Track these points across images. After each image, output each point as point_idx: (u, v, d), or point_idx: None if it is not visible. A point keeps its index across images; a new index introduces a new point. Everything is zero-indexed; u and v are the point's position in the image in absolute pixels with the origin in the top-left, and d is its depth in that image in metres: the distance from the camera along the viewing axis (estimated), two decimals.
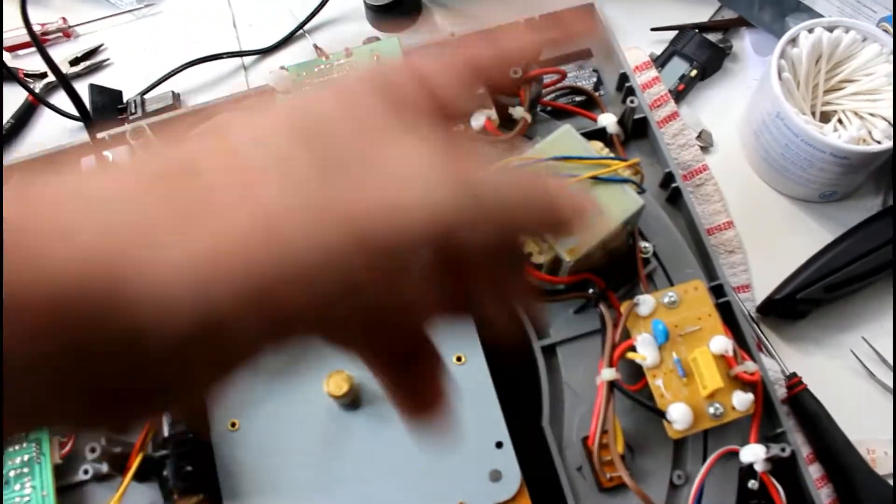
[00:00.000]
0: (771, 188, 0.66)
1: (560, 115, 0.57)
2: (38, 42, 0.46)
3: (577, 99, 0.58)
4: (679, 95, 0.68)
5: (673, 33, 0.71)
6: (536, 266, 0.47)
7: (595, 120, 0.56)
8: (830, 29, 0.62)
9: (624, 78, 0.57)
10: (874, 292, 0.62)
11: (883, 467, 0.57)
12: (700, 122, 0.68)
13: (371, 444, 0.45)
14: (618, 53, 0.58)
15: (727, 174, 0.66)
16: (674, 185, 0.54)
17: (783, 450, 0.47)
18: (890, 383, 0.60)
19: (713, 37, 0.70)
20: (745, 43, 0.71)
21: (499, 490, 0.44)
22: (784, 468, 0.49)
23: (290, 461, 0.46)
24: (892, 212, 0.62)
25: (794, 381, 0.58)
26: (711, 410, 0.46)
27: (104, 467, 0.46)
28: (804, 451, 0.58)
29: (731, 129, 0.68)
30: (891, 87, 0.60)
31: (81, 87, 0.68)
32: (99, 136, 0.55)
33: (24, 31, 0.60)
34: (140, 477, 0.47)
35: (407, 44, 0.58)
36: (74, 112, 0.67)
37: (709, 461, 0.47)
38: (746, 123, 0.67)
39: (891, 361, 0.60)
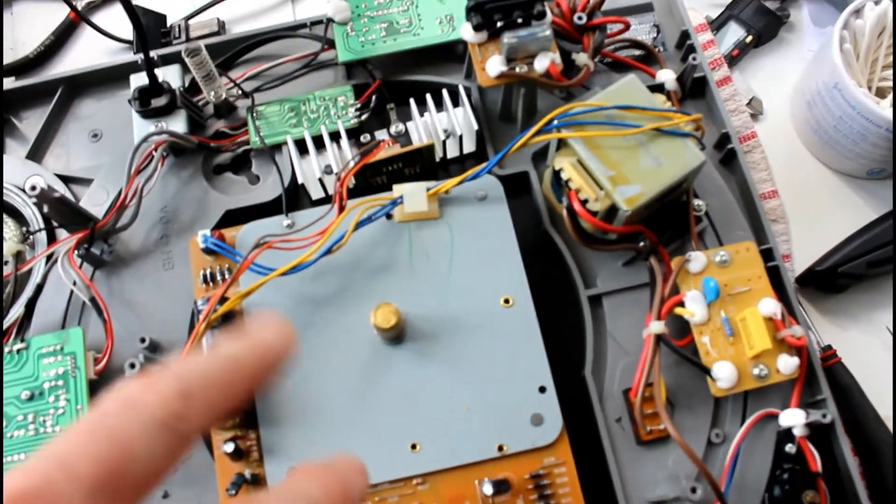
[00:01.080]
0: (818, 161, 0.66)
1: (619, 67, 0.56)
2: None
3: (637, 53, 0.57)
4: (732, 61, 0.67)
5: None
6: (592, 213, 0.46)
7: (653, 75, 0.55)
8: None
9: (685, 35, 0.56)
10: None
11: None
12: (751, 89, 0.67)
13: (412, 381, 0.45)
14: (679, 9, 0.57)
15: (775, 144, 0.65)
16: (729, 146, 0.54)
17: (824, 416, 0.47)
18: None
19: (771, 4, 0.69)
20: (802, 13, 0.70)
21: (540, 434, 0.44)
22: (821, 435, 0.49)
23: (330, 391, 0.45)
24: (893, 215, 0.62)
25: (828, 353, 0.58)
26: (756, 371, 0.46)
27: None
28: None
29: (783, 99, 0.68)
30: None
31: (119, 10, 0.67)
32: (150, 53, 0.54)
33: None
34: None
35: None
36: (116, 33, 0.66)
37: (748, 422, 0.47)
38: (799, 93, 0.66)
39: None
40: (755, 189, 0.52)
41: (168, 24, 0.68)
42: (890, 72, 0.63)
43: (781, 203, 0.63)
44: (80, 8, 0.70)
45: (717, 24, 0.68)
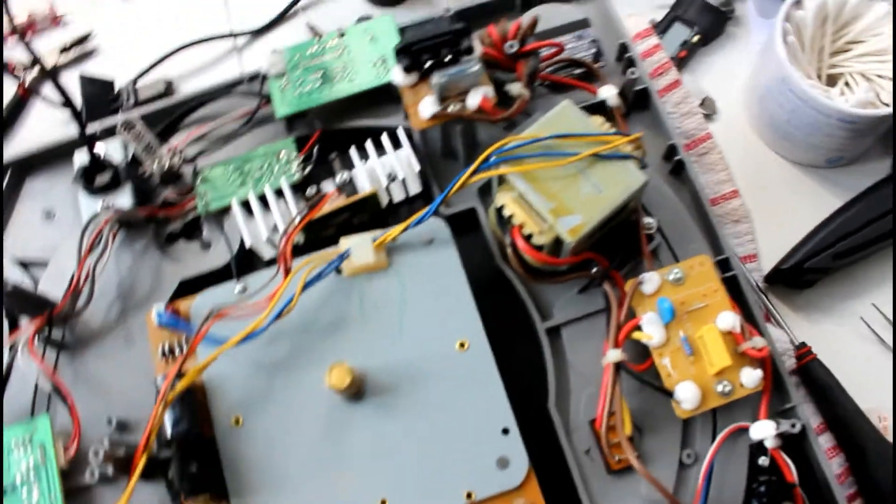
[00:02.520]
0: (776, 154, 0.65)
1: (559, 88, 0.56)
2: (22, 35, 0.45)
3: (577, 71, 0.56)
4: (681, 62, 0.67)
5: None
6: (537, 247, 0.46)
7: (595, 93, 0.55)
8: None
9: (624, 48, 0.56)
10: (883, 258, 0.61)
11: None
12: (703, 89, 0.67)
13: (376, 436, 0.45)
14: (617, 23, 0.57)
15: (732, 142, 0.65)
16: (677, 157, 0.53)
17: (793, 425, 0.47)
18: None
19: (714, 0, 0.68)
20: (747, 6, 0.70)
21: (506, 477, 0.44)
22: (794, 441, 0.48)
23: (296, 455, 0.45)
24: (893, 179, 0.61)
25: (803, 351, 0.58)
26: (720, 388, 0.46)
27: (109, 470, 0.46)
28: (815, 421, 0.57)
29: (735, 96, 0.67)
30: None
31: (72, 77, 0.67)
32: (89, 129, 0.54)
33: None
34: (146, 476, 0.46)
35: (401, 21, 0.56)
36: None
37: (718, 439, 0.46)
38: (751, 89, 0.65)
39: None
40: (706, 199, 0.52)
41: (116, 90, 0.68)
42: (838, 58, 0.62)
43: (743, 202, 0.63)
44: (29, 78, 0.70)
45: (662, 27, 0.68)
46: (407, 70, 0.48)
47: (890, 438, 0.56)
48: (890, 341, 0.59)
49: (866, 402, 0.56)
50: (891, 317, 0.60)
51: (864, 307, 0.60)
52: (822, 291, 0.61)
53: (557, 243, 0.46)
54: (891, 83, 0.59)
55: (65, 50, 0.71)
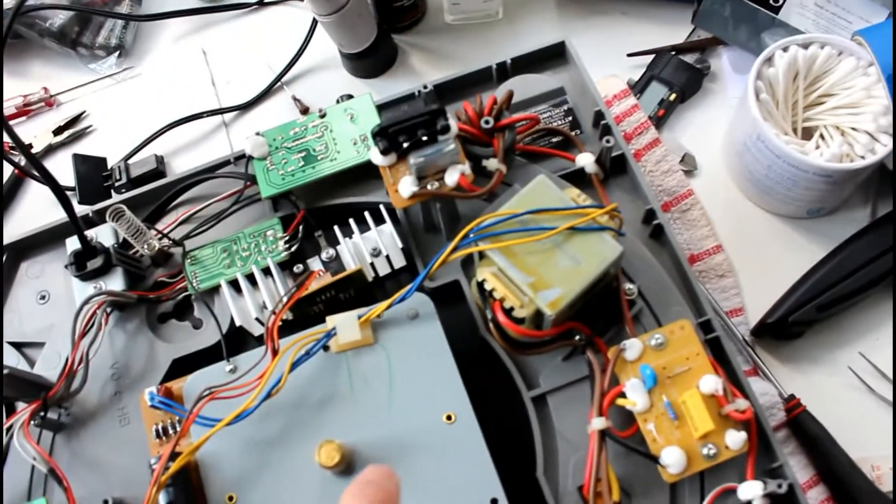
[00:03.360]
0: (758, 207, 0.66)
1: (538, 157, 0.57)
2: (5, 123, 0.46)
3: (554, 140, 0.58)
4: (660, 121, 0.68)
5: (650, 58, 0.71)
6: (519, 320, 0.47)
7: (573, 160, 0.56)
8: (805, 45, 0.62)
9: (599, 115, 0.57)
10: (868, 306, 0.62)
11: (888, 484, 0.57)
12: (682, 146, 0.68)
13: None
14: (591, 90, 0.58)
15: (713, 196, 0.66)
16: (656, 221, 0.54)
17: (780, 486, 0.47)
18: (889, 396, 0.59)
19: (690, 58, 0.70)
20: (722, 61, 0.71)
21: None
22: (782, 501, 0.48)
23: None
24: (893, 218, 0.62)
25: (792, 404, 0.58)
26: (705, 451, 0.46)
27: None
28: (807, 474, 0.57)
29: (715, 151, 0.68)
30: (870, 101, 0.60)
31: (67, 156, 0.69)
32: (80, 212, 0.55)
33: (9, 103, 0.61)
34: None
35: (379, 98, 0.58)
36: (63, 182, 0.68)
37: (706, 502, 0.47)
38: (729, 145, 0.66)
39: (889, 374, 0.60)
40: (686, 261, 0.53)
41: (108, 167, 0.69)
42: (813, 111, 0.63)
43: (727, 257, 0.64)
44: (23, 161, 0.72)
45: (639, 87, 0.69)
46: (385, 151, 0.49)
47: (883, 488, 0.56)
48: (879, 390, 0.59)
49: (858, 452, 0.57)
50: (878, 365, 0.60)
51: (851, 356, 0.61)
52: (809, 342, 0.61)
53: (538, 315, 0.47)
54: (864, 136, 0.60)
55: (58, 131, 0.73)
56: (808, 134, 0.64)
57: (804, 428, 0.58)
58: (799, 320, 0.59)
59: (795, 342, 0.62)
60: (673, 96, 0.68)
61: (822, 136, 0.63)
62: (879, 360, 0.60)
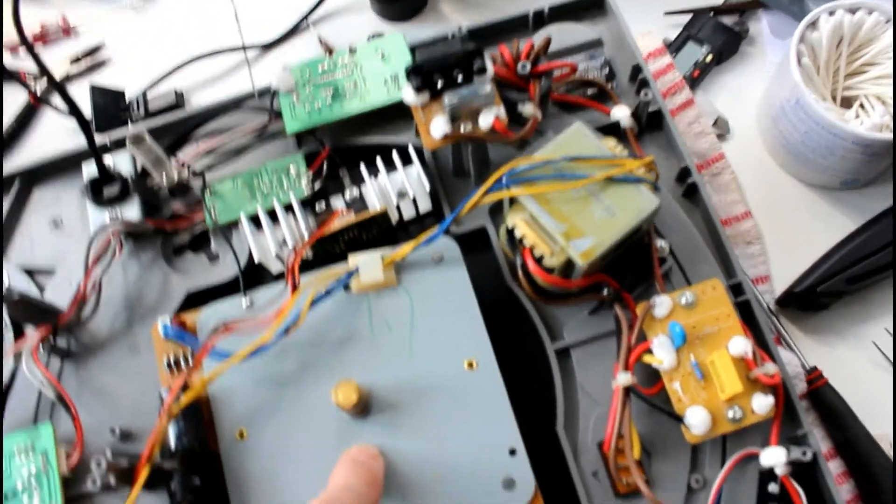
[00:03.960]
0: (790, 176, 0.65)
1: (572, 108, 0.55)
2: (30, 46, 0.44)
3: (590, 91, 0.56)
4: (694, 82, 0.66)
5: (687, 17, 0.69)
6: (549, 269, 0.45)
7: (608, 113, 0.54)
8: (852, 11, 0.60)
9: (636, 69, 0.55)
10: None
11: None
12: (716, 108, 0.66)
13: (382, 453, 0.44)
14: (630, 43, 0.56)
15: (744, 162, 0.65)
16: (690, 180, 0.53)
17: (804, 453, 0.46)
18: None
19: (729, 20, 0.68)
20: (762, 25, 0.69)
21: (512, 498, 0.43)
22: (805, 468, 0.47)
23: (300, 471, 0.45)
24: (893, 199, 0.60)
25: (814, 375, 0.57)
26: (730, 414, 0.45)
27: (112, 479, 0.45)
28: (825, 446, 0.56)
29: (749, 116, 0.67)
30: None
31: (83, 87, 0.67)
32: (99, 141, 0.54)
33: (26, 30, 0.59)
34: (149, 486, 0.46)
35: (412, 38, 0.56)
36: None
37: (727, 465, 0.46)
38: (764, 110, 0.65)
39: None
40: (719, 222, 0.51)
41: (126, 100, 0.68)
42: (854, 80, 0.62)
43: (756, 223, 0.62)
44: (40, 88, 0.70)
45: (675, 46, 0.67)
46: (418, 90, 0.48)
47: None
48: None
49: (877, 428, 0.56)
50: None
51: (877, 332, 0.60)
52: (835, 315, 0.60)
53: (569, 265, 0.45)
54: None
55: (76, 60, 0.71)
56: (846, 103, 0.62)
57: (825, 401, 0.57)
58: (827, 291, 0.58)
59: (820, 314, 0.60)
60: (709, 57, 0.66)
61: (861, 106, 0.61)
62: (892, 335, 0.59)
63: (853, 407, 0.56)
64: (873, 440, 0.55)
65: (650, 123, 0.55)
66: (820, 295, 0.59)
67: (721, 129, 0.65)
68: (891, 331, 0.59)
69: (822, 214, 0.63)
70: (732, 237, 0.62)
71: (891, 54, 0.60)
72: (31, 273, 0.56)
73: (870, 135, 0.56)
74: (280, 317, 0.45)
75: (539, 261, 0.46)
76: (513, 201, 0.47)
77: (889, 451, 0.56)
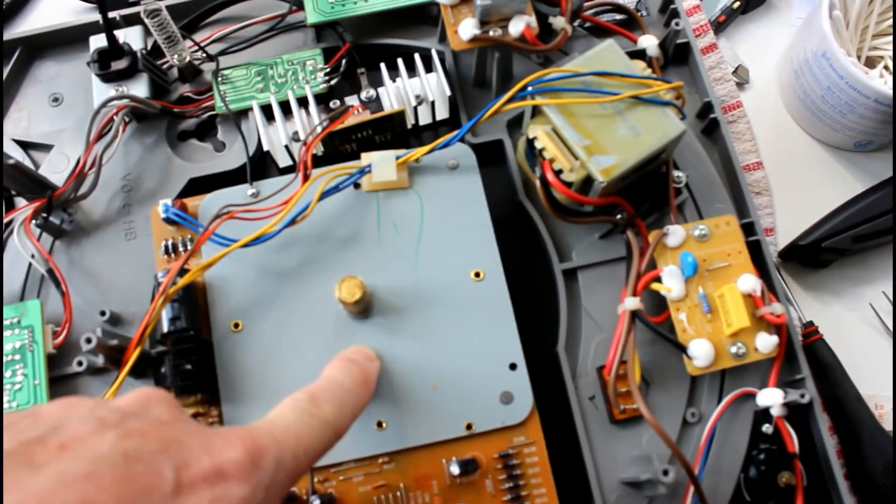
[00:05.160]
0: (804, 132, 0.64)
1: (599, 32, 0.54)
2: None
3: (618, 17, 0.55)
4: (719, 27, 0.65)
5: None
6: (567, 184, 0.44)
7: (635, 41, 0.53)
8: None
9: (668, 0, 0.54)
10: None
11: (890, 423, 0.56)
12: (738, 56, 0.65)
13: (379, 356, 0.43)
14: None
15: (760, 114, 0.64)
16: (712, 115, 0.52)
17: (802, 396, 0.46)
18: None
19: None
20: None
21: (509, 412, 0.43)
22: (798, 414, 0.47)
23: (294, 367, 0.44)
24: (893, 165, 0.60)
25: (810, 330, 0.57)
26: (734, 350, 0.45)
27: (99, 360, 0.44)
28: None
29: (769, 68, 0.66)
30: None
31: None
32: (111, 14, 0.52)
33: None
34: (136, 373, 0.45)
35: None
36: None
37: (725, 401, 0.46)
38: (787, 62, 0.64)
39: None
40: (738, 161, 0.51)
41: None
42: (881, 41, 0.61)
43: (766, 175, 0.62)
44: None
45: None
46: None
47: (886, 426, 0.55)
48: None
49: (866, 389, 0.55)
50: None
51: (874, 294, 0.59)
52: (835, 274, 0.60)
53: (587, 182, 0.44)
54: None
55: None
56: (870, 63, 0.61)
57: (818, 356, 0.56)
58: (832, 247, 0.58)
59: (821, 271, 0.60)
60: (736, 4, 0.65)
61: (885, 67, 0.60)
62: (892, 295, 0.59)
63: (844, 366, 0.56)
64: (860, 398, 0.55)
65: (676, 56, 0.54)
66: (823, 251, 0.58)
67: (741, 77, 0.64)
68: (889, 295, 0.59)
69: (833, 174, 0.63)
70: None
71: None
72: (25, 146, 0.54)
73: (892, 93, 0.56)
74: (288, 206, 0.44)
75: (558, 174, 0.44)
76: (535, 113, 0.46)
77: (875, 411, 0.56)
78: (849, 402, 0.56)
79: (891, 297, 0.59)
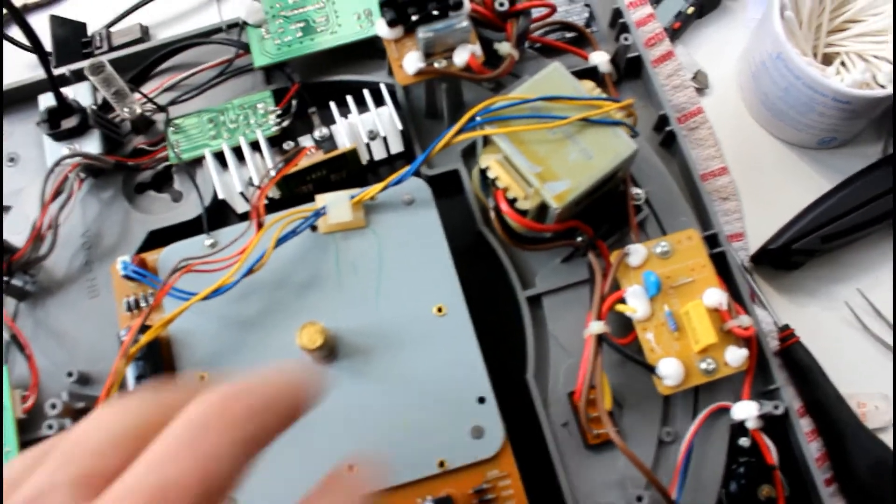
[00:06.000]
0: (768, 133, 0.64)
1: (549, 52, 0.54)
2: None
3: (568, 35, 0.55)
4: (674, 34, 0.65)
5: None
6: (522, 212, 0.44)
7: (586, 58, 0.53)
8: None
9: (617, 14, 0.54)
10: (870, 243, 0.60)
11: (873, 421, 0.56)
12: (696, 62, 0.65)
13: (347, 399, 0.43)
14: None
15: (722, 118, 0.63)
16: (668, 128, 0.52)
17: (776, 407, 0.46)
18: (884, 336, 0.58)
19: None
20: None
21: (481, 447, 0.42)
22: (775, 423, 0.47)
23: None
24: (892, 160, 0.60)
25: (786, 334, 0.56)
26: (703, 366, 0.44)
27: (68, 423, 0.44)
28: (795, 404, 0.56)
29: (729, 71, 0.65)
30: None
31: (42, 18, 0.65)
32: (57, 71, 0.51)
33: None
34: None
35: None
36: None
37: (699, 418, 0.45)
38: (744, 64, 0.64)
39: (886, 314, 0.58)
40: (697, 172, 0.50)
41: (89, 34, 0.65)
42: (836, 37, 0.61)
43: (732, 180, 0.61)
44: None
45: None
46: (392, 23, 0.46)
47: (869, 425, 0.55)
48: (874, 328, 0.58)
49: (846, 388, 0.55)
50: (875, 303, 0.58)
51: (849, 292, 0.59)
52: (808, 274, 0.59)
53: (542, 209, 0.44)
54: (887, 65, 0.57)
55: None
56: (827, 61, 0.61)
57: (796, 359, 0.56)
58: (802, 249, 0.57)
59: (794, 273, 0.60)
60: (690, 10, 0.65)
61: (842, 64, 0.60)
62: (877, 299, 0.59)
63: (823, 366, 0.56)
64: (842, 399, 0.55)
65: (629, 70, 0.54)
66: (794, 253, 0.58)
67: (700, 83, 0.64)
68: (864, 292, 0.59)
69: (798, 173, 0.62)
70: (708, 193, 0.60)
71: (873, 11, 0.59)
72: None
73: (850, 91, 0.55)
74: (244, 256, 0.44)
75: (512, 203, 0.44)
76: (487, 142, 0.45)
77: (857, 410, 0.56)
78: (830, 404, 0.55)
79: (865, 295, 0.59)
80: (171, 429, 0.22)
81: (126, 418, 0.23)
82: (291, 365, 0.31)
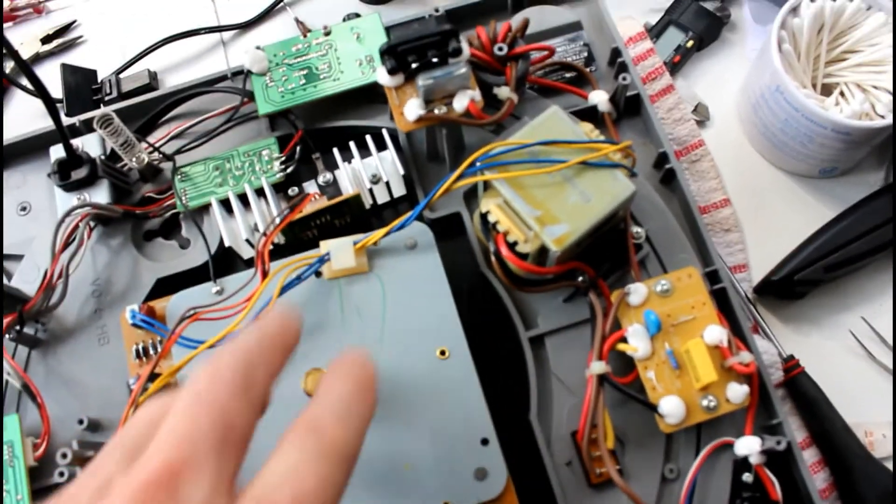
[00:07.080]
0: (769, 164, 0.64)
1: (549, 92, 0.55)
2: None
3: (568, 75, 0.55)
4: (675, 67, 0.66)
5: (669, 2, 0.68)
6: (523, 255, 0.45)
7: (586, 97, 0.54)
8: None
9: (616, 53, 0.55)
10: (873, 271, 0.60)
11: (881, 450, 0.56)
12: (696, 95, 0.66)
13: None
14: (609, 26, 0.55)
15: (724, 149, 0.64)
16: (668, 165, 0.52)
17: (778, 443, 0.46)
18: (889, 364, 0.58)
19: (710, 5, 0.67)
20: (743, 11, 0.69)
21: (484, 489, 0.43)
22: (779, 457, 0.47)
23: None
24: (893, 189, 0.60)
25: (791, 364, 0.57)
26: (705, 403, 0.45)
27: (78, 471, 0.44)
28: (800, 435, 0.56)
29: (729, 103, 0.66)
30: None
31: (54, 67, 0.66)
32: (67, 122, 0.53)
33: None
34: None
35: (389, 19, 0.55)
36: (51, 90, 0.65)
37: (702, 455, 0.46)
38: (744, 97, 0.64)
39: (891, 342, 0.58)
40: (697, 209, 0.51)
41: (99, 80, 0.67)
42: (834, 67, 0.61)
43: (734, 211, 0.62)
44: (8, 69, 0.69)
45: (656, 31, 0.67)
46: (392, 71, 0.47)
47: (875, 454, 0.55)
48: (879, 356, 0.58)
49: (853, 417, 0.55)
50: (880, 331, 0.59)
51: (853, 320, 0.59)
52: (812, 304, 0.60)
53: (543, 252, 0.45)
54: (886, 95, 0.58)
55: (47, 39, 0.70)
56: (827, 91, 0.62)
57: (801, 389, 0.57)
58: (804, 279, 0.58)
59: (797, 303, 0.60)
60: (690, 43, 0.66)
61: (841, 94, 0.61)
62: (882, 326, 0.59)
63: (829, 396, 0.56)
64: (848, 429, 0.55)
65: (628, 108, 0.55)
66: (797, 283, 0.58)
67: (701, 115, 0.65)
68: (868, 320, 0.59)
69: (801, 203, 0.63)
70: (711, 225, 0.61)
71: (871, 42, 0.60)
72: None
73: (849, 122, 0.56)
74: (250, 303, 0.44)
75: (513, 247, 0.45)
76: (487, 186, 0.46)
77: (864, 439, 0.56)
78: (837, 434, 0.55)
79: (870, 323, 0.59)
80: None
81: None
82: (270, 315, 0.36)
